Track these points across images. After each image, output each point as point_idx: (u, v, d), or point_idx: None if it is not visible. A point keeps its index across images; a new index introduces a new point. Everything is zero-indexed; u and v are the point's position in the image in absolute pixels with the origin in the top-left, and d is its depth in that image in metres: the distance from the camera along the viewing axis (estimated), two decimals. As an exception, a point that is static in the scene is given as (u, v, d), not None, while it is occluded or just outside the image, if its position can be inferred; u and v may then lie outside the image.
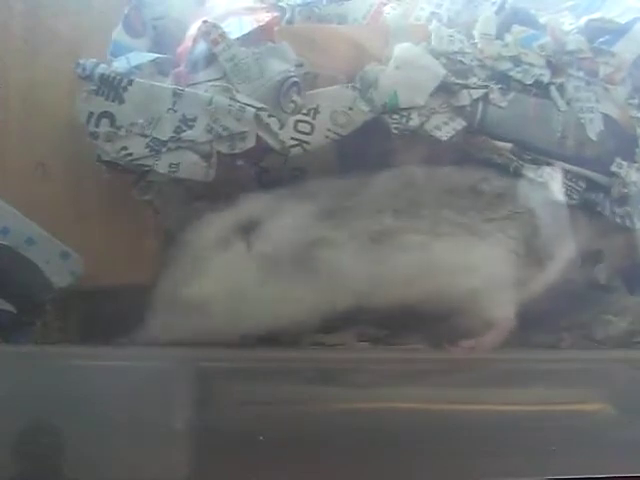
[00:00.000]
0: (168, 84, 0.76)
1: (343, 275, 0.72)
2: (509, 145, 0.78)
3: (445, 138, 0.76)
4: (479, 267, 0.73)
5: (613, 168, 0.79)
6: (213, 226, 0.74)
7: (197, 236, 0.74)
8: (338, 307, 0.72)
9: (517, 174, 0.78)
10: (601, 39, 0.83)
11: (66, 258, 0.74)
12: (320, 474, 0.65)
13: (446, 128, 0.76)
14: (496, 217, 0.75)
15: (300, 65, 0.77)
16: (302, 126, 0.75)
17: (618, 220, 0.80)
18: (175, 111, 0.73)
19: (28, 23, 0.77)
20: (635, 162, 0.80)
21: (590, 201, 0.80)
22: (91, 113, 0.73)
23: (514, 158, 0.78)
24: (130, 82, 0.74)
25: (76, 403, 0.63)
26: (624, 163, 0.79)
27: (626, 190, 0.79)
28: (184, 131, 0.73)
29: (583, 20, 0.84)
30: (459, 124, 0.77)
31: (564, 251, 0.78)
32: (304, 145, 0.75)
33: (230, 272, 0.73)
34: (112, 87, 0.74)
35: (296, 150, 0.75)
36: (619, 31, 0.83)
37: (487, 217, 0.75)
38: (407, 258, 0.73)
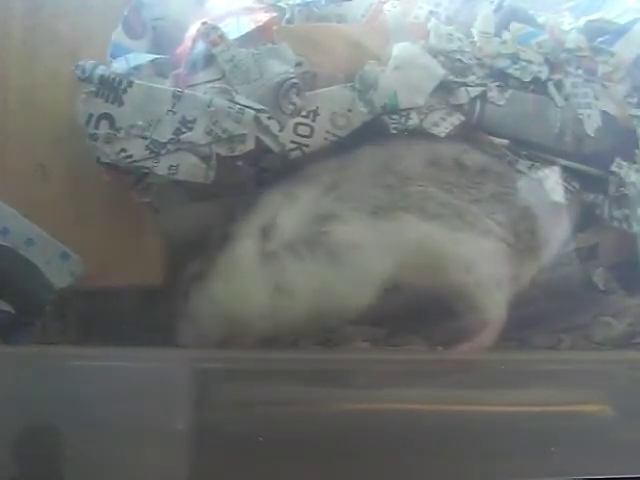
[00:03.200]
0: (167, 86, 0.75)
1: (356, 252, 0.73)
2: (505, 141, 0.78)
3: (443, 134, 0.76)
4: (471, 260, 0.74)
5: (613, 167, 0.79)
6: (241, 234, 0.74)
7: (229, 247, 0.74)
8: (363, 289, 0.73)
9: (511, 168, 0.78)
10: (600, 39, 0.83)
11: (66, 259, 0.74)
12: (320, 475, 0.65)
13: (444, 124, 0.76)
14: (481, 197, 0.75)
15: (299, 65, 0.76)
16: (302, 129, 0.75)
17: (616, 222, 0.80)
18: (174, 113, 0.73)
19: (27, 24, 0.77)
20: (635, 163, 0.80)
21: (587, 198, 0.80)
22: (90, 115, 0.73)
23: (509, 154, 0.78)
24: (130, 84, 0.73)
25: (75, 404, 0.63)
26: (624, 163, 0.80)
27: (624, 190, 0.79)
28: (183, 133, 0.73)
29: (582, 21, 0.84)
30: (457, 119, 0.77)
31: (555, 241, 0.79)
32: (303, 148, 0.75)
33: (261, 273, 0.73)
34: (112, 89, 0.73)
35: (295, 153, 0.75)
36: (618, 31, 0.83)
37: (473, 197, 0.75)
38: (402, 237, 0.73)
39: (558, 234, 0.80)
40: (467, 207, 0.74)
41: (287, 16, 0.83)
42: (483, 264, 0.74)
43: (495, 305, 0.75)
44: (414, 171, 0.75)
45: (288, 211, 0.74)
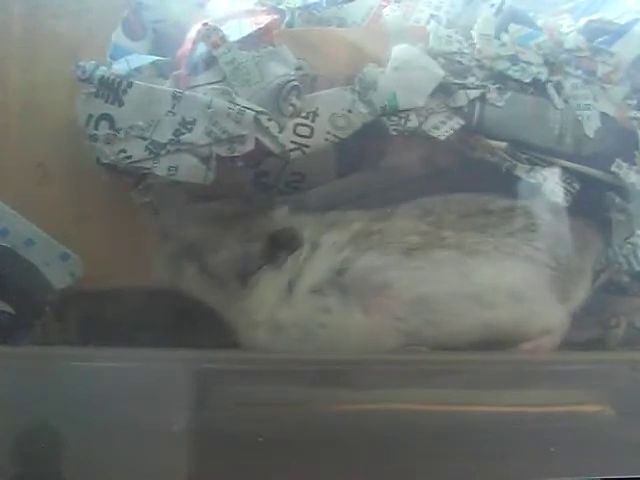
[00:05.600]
0: (168, 87, 0.75)
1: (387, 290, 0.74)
2: (504, 144, 0.78)
3: (443, 137, 0.76)
4: (519, 287, 0.75)
5: (613, 168, 0.79)
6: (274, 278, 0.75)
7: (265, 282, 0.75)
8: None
9: (510, 174, 0.78)
10: (599, 39, 0.83)
11: (65, 259, 0.74)
12: (320, 476, 0.65)
13: (444, 127, 0.76)
14: (515, 230, 0.77)
15: (299, 68, 0.77)
16: (301, 129, 0.75)
17: (616, 221, 0.80)
18: (174, 114, 0.73)
19: (28, 25, 0.77)
20: (635, 164, 0.80)
21: (589, 200, 0.80)
22: (90, 115, 0.73)
23: (508, 158, 0.78)
24: (130, 84, 0.74)
25: (75, 404, 0.63)
26: (624, 164, 0.80)
27: (625, 191, 0.79)
28: (183, 134, 0.73)
29: (582, 21, 0.84)
30: (457, 123, 0.77)
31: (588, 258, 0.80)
32: (303, 148, 0.75)
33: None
34: (112, 89, 0.74)
35: (295, 153, 0.75)
36: (618, 31, 0.82)
37: (507, 231, 0.76)
38: (443, 274, 0.74)
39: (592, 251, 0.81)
40: (503, 240, 0.76)
41: (287, 19, 0.83)
42: (530, 289, 0.76)
43: (551, 317, 0.76)
44: (447, 221, 0.76)
45: (319, 252, 0.75)
